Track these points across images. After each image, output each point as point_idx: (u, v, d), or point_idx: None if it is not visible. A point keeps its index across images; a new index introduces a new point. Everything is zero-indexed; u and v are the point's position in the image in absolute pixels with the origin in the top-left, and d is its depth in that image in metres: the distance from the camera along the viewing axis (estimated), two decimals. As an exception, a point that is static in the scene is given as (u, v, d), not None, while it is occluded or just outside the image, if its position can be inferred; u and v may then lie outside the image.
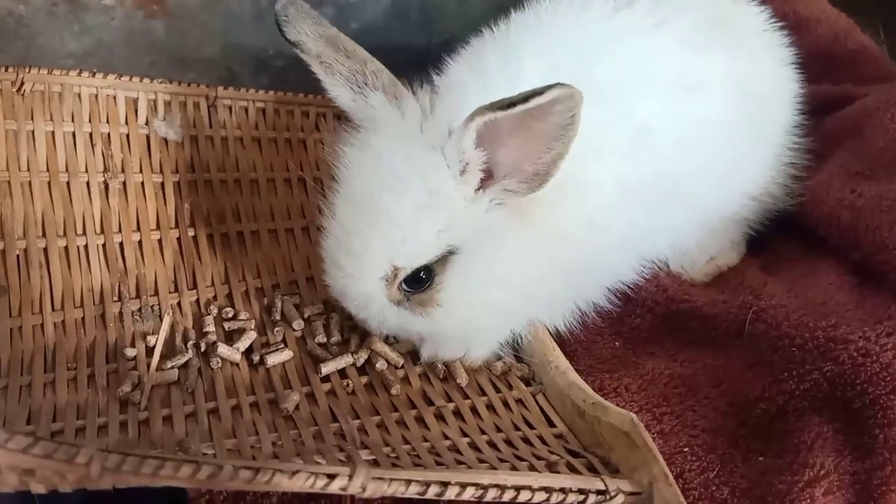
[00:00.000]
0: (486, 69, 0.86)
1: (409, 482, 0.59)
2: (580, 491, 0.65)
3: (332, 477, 0.57)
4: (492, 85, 0.81)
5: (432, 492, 0.60)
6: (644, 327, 0.98)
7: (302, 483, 0.56)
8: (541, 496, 0.63)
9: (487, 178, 0.78)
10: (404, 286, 0.80)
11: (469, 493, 0.61)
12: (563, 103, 0.68)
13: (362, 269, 0.80)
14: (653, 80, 0.89)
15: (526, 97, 0.67)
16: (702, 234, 1.01)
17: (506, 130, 0.72)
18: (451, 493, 0.60)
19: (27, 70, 0.98)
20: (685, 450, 0.80)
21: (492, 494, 0.62)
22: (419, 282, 0.80)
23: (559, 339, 0.92)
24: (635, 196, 0.84)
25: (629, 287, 0.96)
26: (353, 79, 0.83)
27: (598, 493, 0.66)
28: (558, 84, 0.67)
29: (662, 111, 0.87)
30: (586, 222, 0.83)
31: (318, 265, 0.92)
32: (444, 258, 0.78)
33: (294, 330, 0.94)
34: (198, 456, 0.67)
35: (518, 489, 0.62)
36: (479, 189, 0.78)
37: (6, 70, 0.97)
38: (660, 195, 0.86)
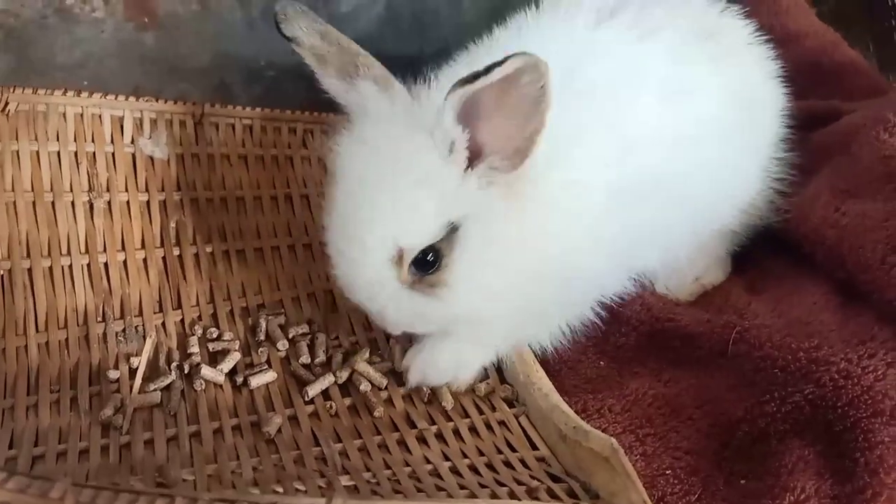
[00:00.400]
0: None
1: (385, 512, 0.59)
2: (558, 518, 0.65)
3: (307, 508, 0.57)
4: None
5: (409, 522, 0.60)
6: (629, 346, 0.98)
7: (277, 515, 0.56)
8: (519, 524, 0.63)
9: (474, 157, 0.79)
10: (413, 269, 0.80)
11: (446, 523, 0.61)
12: (529, 74, 0.69)
13: (366, 252, 0.79)
14: (639, 86, 0.89)
15: (488, 68, 0.69)
16: (691, 247, 1.01)
17: (483, 107, 0.73)
18: (427, 523, 0.60)
19: (11, 90, 0.99)
20: (667, 472, 0.80)
21: (469, 524, 0.62)
22: (427, 265, 0.80)
23: (543, 358, 0.92)
24: (624, 200, 0.84)
25: (615, 302, 0.96)
26: (345, 69, 0.85)
27: (577, 519, 0.66)
28: (520, 53, 0.68)
29: (649, 116, 0.88)
30: (576, 224, 0.83)
31: (324, 265, 0.91)
32: (450, 239, 0.79)
33: (278, 350, 0.94)
34: (177, 483, 0.67)
35: (495, 518, 0.62)
36: (467, 168, 0.78)
37: (-10, 91, 0.97)
38: (648, 199, 0.86)
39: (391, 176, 0.78)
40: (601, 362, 0.97)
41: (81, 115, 1.04)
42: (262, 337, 0.95)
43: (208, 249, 1.04)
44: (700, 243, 1.02)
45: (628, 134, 0.86)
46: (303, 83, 1.79)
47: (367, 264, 0.79)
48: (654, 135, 0.87)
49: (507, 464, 0.78)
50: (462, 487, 0.71)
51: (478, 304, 0.82)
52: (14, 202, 0.96)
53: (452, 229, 0.78)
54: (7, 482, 0.53)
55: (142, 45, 1.60)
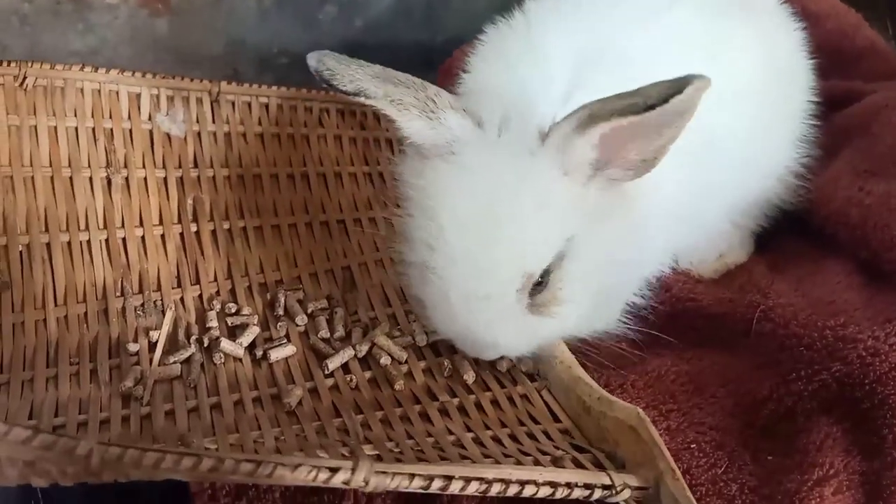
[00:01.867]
0: (512, 60, 0.85)
1: (412, 476, 0.58)
2: (585, 486, 0.64)
3: (334, 470, 0.56)
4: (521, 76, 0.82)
5: (436, 486, 0.59)
6: (649, 327, 0.97)
7: (304, 476, 0.56)
8: (546, 490, 0.62)
9: (595, 170, 0.77)
10: (528, 296, 0.79)
11: (473, 488, 0.60)
12: (695, 96, 0.67)
13: (499, 286, 0.76)
14: (680, 50, 0.87)
15: (665, 98, 0.65)
16: (738, 208, 1.00)
17: (623, 127, 0.70)
18: (454, 488, 0.60)
19: (30, 65, 0.98)
20: (692, 446, 0.79)
21: (496, 489, 0.61)
22: (538, 284, 0.78)
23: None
24: (685, 157, 0.82)
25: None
26: (425, 107, 0.79)
27: (604, 487, 0.65)
28: (695, 77, 0.65)
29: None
30: (661, 200, 0.83)
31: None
32: (558, 255, 0.77)
33: (297, 325, 0.93)
34: (200, 450, 0.66)
35: (522, 483, 0.61)
36: (584, 184, 0.77)
37: (9, 65, 0.97)
38: (705, 154, 0.85)
39: (512, 203, 0.75)
40: (622, 343, 0.97)
41: (99, 91, 1.03)
42: (281, 312, 0.95)
43: (226, 226, 1.04)
44: (729, 217, 1.00)
45: None
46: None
47: (498, 298, 0.77)
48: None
49: (531, 435, 0.77)
50: (486, 457, 0.71)
51: (588, 313, 0.82)
52: (32, 177, 0.96)
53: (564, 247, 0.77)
54: (33, 439, 0.52)
55: (155, 31, 1.60)
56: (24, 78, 0.97)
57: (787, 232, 1.10)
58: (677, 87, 0.65)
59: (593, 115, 0.70)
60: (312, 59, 0.78)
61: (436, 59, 1.60)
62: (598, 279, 0.81)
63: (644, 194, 0.82)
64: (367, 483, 0.57)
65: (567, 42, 0.84)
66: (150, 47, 1.60)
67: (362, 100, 0.78)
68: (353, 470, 0.57)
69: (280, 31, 1.70)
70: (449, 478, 0.60)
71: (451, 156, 0.79)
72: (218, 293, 0.98)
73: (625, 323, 0.92)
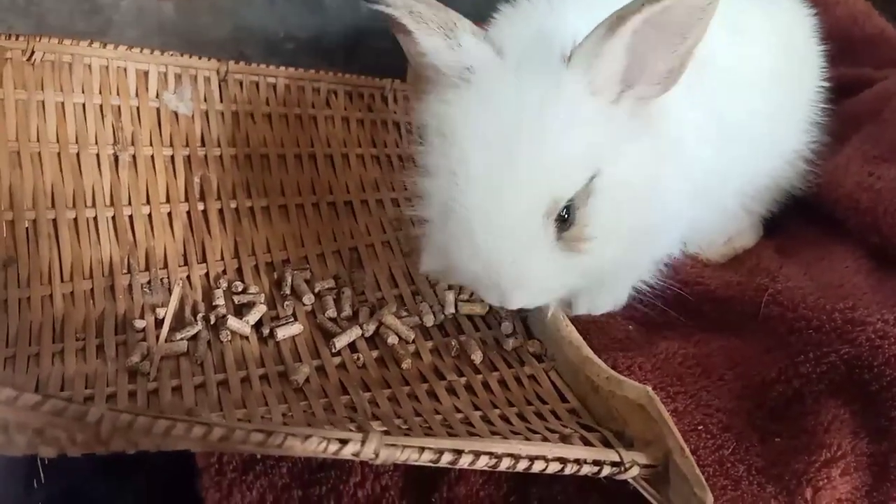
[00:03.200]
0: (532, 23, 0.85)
1: (422, 449, 0.58)
2: (594, 462, 0.64)
3: (344, 442, 0.56)
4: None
5: (445, 460, 0.59)
6: (656, 311, 0.97)
7: (314, 447, 0.55)
8: (555, 466, 0.62)
9: (623, 87, 0.76)
10: (555, 225, 0.76)
11: (483, 462, 0.60)
12: None
13: (523, 209, 0.73)
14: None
15: None
16: (749, 192, 1.00)
17: (647, 30, 0.69)
18: (464, 462, 0.59)
19: (38, 39, 0.97)
20: (699, 428, 0.78)
21: (505, 464, 0.60)
22: (563, 221, 0.76)
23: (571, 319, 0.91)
24: (701, 135, 0.82)
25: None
26: (444, 25, 0.77)
27: (613, 464, 0.65)
28: None
29: (710, 52, 0.82)
30: (685, 165, 0.82)
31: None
32: (586, 188, 0.75)
33: (304, 304, 0.93)
34: (210, 419, 0.66)
35: (532, 459, 0.61)
36: (613, 101, 0.76)
37: (17, 39, 0.96)
38: (720, 133, 0.85)
39: (537, 125, 0.73)
40: (630, 326, 0.96)
41: (107, 67, 1.03)
42: (288, 291, 0.94)
43: (233, 205, 1.04)
44: (739, 200, 1.00)
45: (710, 70, 0.83)
46: (321, 56, 1.79)
47: (523, 222, 0.74)
48: (722, 75, 0.85)
49: (538, 414, 0.77)
50: (494, 434, 0.70)
51: (619, 253, 0.80)
52: (39, 153, 0.96)
53: (591, 177, 0.75)
54: (42, 405, 0.52)
55: (161, 14, 1.59)
56: (32, 52, 0.97)
57: (795, 217, 1.09)
58: None
59: (622, 14, 0.68)
60: None
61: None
62: (626, 216, 0.79)
63: (669, 144, 0.81)
64: (376, 455, 0.57)
65: (587, 20, 0.83)
66: (157, 30, 1.59)
67: (383, 8, 0.76)
68: (363, 442, 0.57)
69: (286, 15, 1.70)
70: (458, 452, 0.59)
71: (468, 83, 0.78)
72: (224, 272, 0.98)
73: (633, 303, 0.92)
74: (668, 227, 0.88)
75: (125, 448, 0.55)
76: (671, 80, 0.75)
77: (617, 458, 0.65)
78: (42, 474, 0.80)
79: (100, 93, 1.02)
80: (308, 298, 0.93)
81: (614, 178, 0.76)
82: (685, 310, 0.94)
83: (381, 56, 1.68)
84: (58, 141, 0.97)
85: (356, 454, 0.56)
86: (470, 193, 0.75)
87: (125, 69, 1.04)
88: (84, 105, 1.00)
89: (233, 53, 1.66)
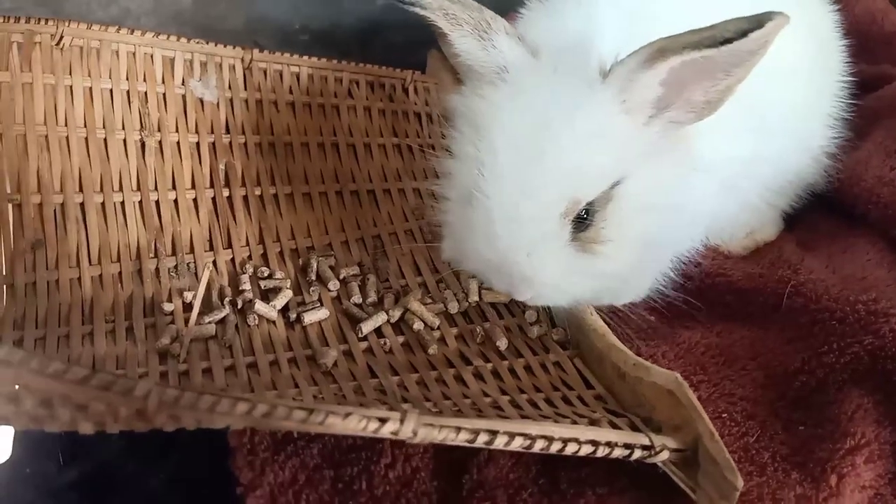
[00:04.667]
0: (562, 18, 0.86)
1: (458, 429, 0.59)
2: (626, 445, 0.65)
3: (384, 421, 0.57)
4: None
5: (481, 440, 0.60)
6: (678, 301, 0.97)
7: (354, 425, 0.56)
8: (587, 449, 0.63)
9: (657, 110, 0.77)
10: (571, 225, 0.77)
11: (517, 443, 0.61)
12: (772, 33, 0.65)
13: (543, 205, 0.75)
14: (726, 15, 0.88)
15: (743, 32, 0.64)
16: (773, 186, 1.00)
17: (692, 65, 0.70)
18: (499, 442, 0.60)
19: (67, 24, 0.98)
20: (723, 415, 0.79)
21: (539, 445, 0.61)
22: (582, 221, 0.77)
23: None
24: (734, 126, 0.82)
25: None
26: (479, 26, 0.78)
27: (643, 448, 0.66)
28: (774, 14, 0.64)
29: None
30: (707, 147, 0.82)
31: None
32: (606, 193, 0.76)
33: (329, 290, 0.93)
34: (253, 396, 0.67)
35: (566, 441, 0.62)
36: (644, 123, 0.76)
37: (46, 23, 0.97)
38: (752, 125, 0.85)
39: (568, 129, 0.74)
40: (652, 317, 0.97)
41: (134, 53, 1.03)
42: (314, 277, 0.95)
43: (257, 192, 1.04)
44: (762, 194, 1.01)
45: None
46: (335, 48, 1.79)
47: (540, 219, 0.75)
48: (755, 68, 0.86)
49: (566, 400, 0.77)
50: (525, 418, 0.71)
51: (634, 258, 0.81)
52: (67, 137, 0.96)
53: (614, 184, 0.76)
54: (91, 379, 0.53)
55: (178, 3, 1.60)
56: (61, 37, 0.97)
57: (816, 211, 1.10)
58: (757, 22, 0.64)
59: (663, 48, 0.69)
60: None
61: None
62: (641, 229, 0.80)
63: (699, 151, 0.81)
64: (415, 434, 0.58)
65: (617, 9, 0.84)
66: (173, 19, 1.60)
67: (418, 10, 0.78)
68: (402, 421, 0.57)
69: (302, 7, 1.70)
70: (494, 432, 0.60)
71: (503, 81, 0.79)
72: (250, 257, 0.98)
73: (655, 295, 0.93)
74: (689, 228, 0.89)
75: (167, 424, 0.56)
76: (708, 111, 0.75)
77: (647, 442, 0.66)
78: (73, 453, 0.81)
79: (127, 79, 1.02)
80: (333, 284, 0.94)
81: (637, 187, 0.77)
82: (707, 300, 0.95)
83: (394, 49, 1.69)
84: (85, 126, 0.98)
85: (395, 433, 0.57)
86: (494, 184, 0.76)
87: (152, 56, 1.05)
88: (111, 91, 1.01)
89: (247, 44, 1.66)
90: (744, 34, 0.65)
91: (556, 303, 0.85)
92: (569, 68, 0.77)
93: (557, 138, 0.74)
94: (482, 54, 0.79)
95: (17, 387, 0.53)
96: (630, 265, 0.82)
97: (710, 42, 0.66)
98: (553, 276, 0.78)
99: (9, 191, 0.90)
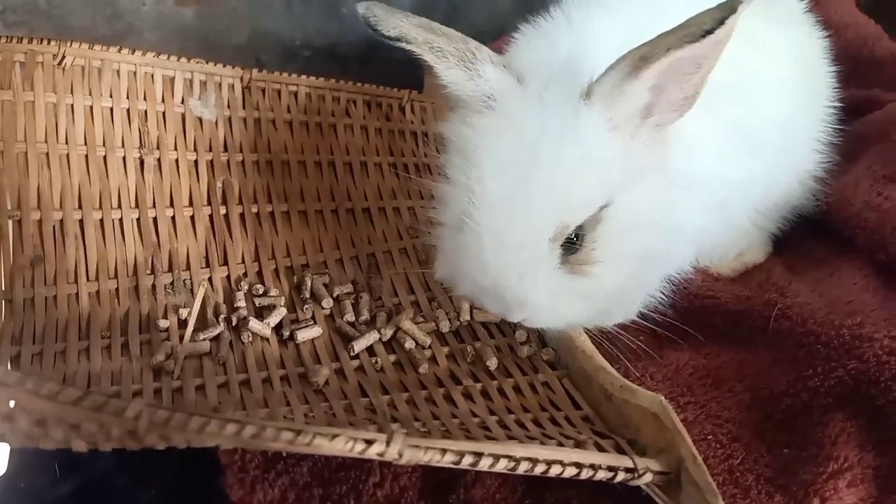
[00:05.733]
0: (554, 42, 0.87)
1: (444, 451, 0.60)
2: (609, 468, 0.66)
3: (370, 442, 0.58)
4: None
5: (466, 462, 0.61)
6: (666, 322, 0.99)
7: (341, 447, 0.57)
8: (571, 471, 0.64)
9: (640, 120, 0.78)
10: (560, 250, 0.79)
11: (502, 465, 0.62)
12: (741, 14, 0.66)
13: (532, 231, 0.76)
14: None
15: (720, 20, 0.66)
16: (761, 209, 1.02)
17: (675, 64, 0.71)
18: (484, 464, 0.61)
19: (69, 44, 1.00)
20: (709, 437, 0.80)
21: (524, 467, 0.62)
22: (570, 244, 0.79)
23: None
24: (719, 148, 0.84)
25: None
26: (464, 57, 0.80)
27: (627, 470, 0.67)
28: (728, 5, 0.66)
29: (731, 65, 0.82)
30: (698, 185, 0.84)
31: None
32: (595, 215, 0.78)
33: (323, 308, 0.95)
34: (242, 417, 0.68)
35: (549, 463, 0.63)
36: (631, 135, 0.78)
37: (48, 43, 0.99)
38: (737, 147, 0.87)
39: (554, 155, 0.75)
40: (641, 337, 0.98)
41: (135, 73, 1.05)
42: (307, 295, 0.97)
43: (254, 210, 1.06)
44: (750, 217, 1.02)
45: (728, 84, 0.83)
46: (336, 64, 1.81)
47: (529, 244, 0.77)
48: (740, 88, 0.87)
49: (553, 420, 0.79)
50: (511, 438, 0.72)
51: (625, 278, 0.82)
52: (67, 154, 0.98)
53: (602, 206, 0.77)
54: (84, 400, 0.54)
55: (181, 19, 1.63)
56: (63, 57, 0.99)
57: (804, 235, 1.11)
58: (730, 7, 0.66)
59: (645, 55, 0.70)
60: (361, 7, 0.79)
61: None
62: (631, 249, 0.81)
63: (686, 169, 0.83)
64: (400, 456, 0.59)
65: (607, 34, 0.85)
66: (176, 35, 1.62)
67: (403, 45, 0.79)
68: (388, 442, 0.59)
69: (304, 23, 1.73)
70: (479, 454, 0.61)
71: (490, 109, 0.80)
72: (245, 275, 1.00)
73: (644, 315, 0.94)
74: (678, 247, 0.90)
75: (157, 443, 0.57)
76: (687, 105, 0.77)
77: (631, 465, 0.67)
78: (67, 468, 0.82)
79: (127, 97, 1.04)
80: (327, 302, 0.95)
81: (625, 208, 0.79)
82: (695, 322, 0.96)
83: (395, 66, 1.71)
84: (85, 143, 1.00)
85: (381, 454, 0.58)
86: (484, 213, 0.78)
87: (152, 75, 1.07)
88: (112, 109, 1.03)
89: (249, 60, 1.69)
90: (721, 22, 0.66)
91: (550, 325, 0.87)
92: (555, 92, 0.78)
93: (544, 166, 0.75)
94: (469, 84, 0.80)
95: (12, 405, 0.55)
96: (621, 285, 0.83)
97: (691, 37, 0.68)
98: (545, 298, 0.80)
99: (9, 207, 0.92)
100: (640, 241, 0.81)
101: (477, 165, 0.78)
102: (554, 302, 0.81)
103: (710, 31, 0.67)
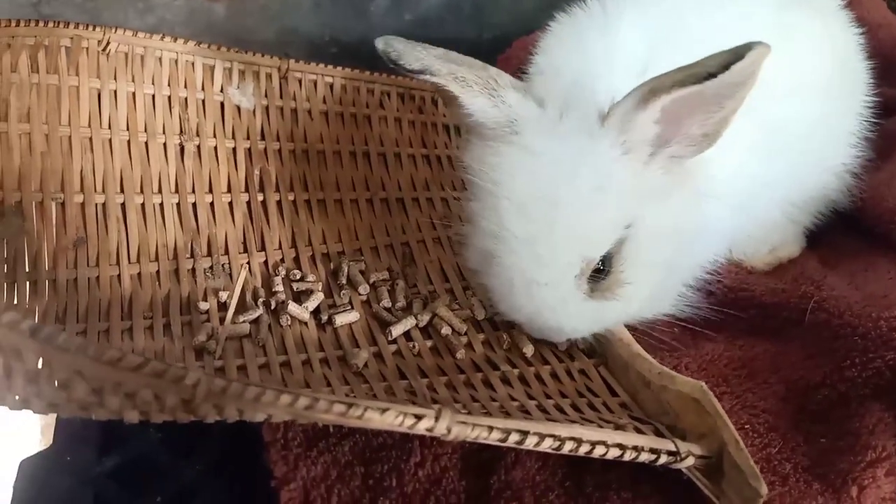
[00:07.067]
0: (584, 42, 0.87)
1: (491, 428, 0.61)
2: (652, 450, 0.66)
3: (419, 417, 0.59)
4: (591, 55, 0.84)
5: (512, 440, 0.61)
6: (701, 315, 0.99)
7: (391, 420, 0.58)
8: (615, 452, 0.64)
9: (656, 147, 0.78)
10: (589, 279, 0.80)
11: (547, 444, 0.62)
12: (755, 63, 0.66)
13: (560, 272, 0.78)
14: (749, 36, 0.89)
15: (725, 65, 0.65)
16: (795, 203, 1.02)
17: (684, 100, 0.71)
18: (529, 443, 0.62)
19: (113, 31, 1.02)
20: (746, 427, 0.80)
21: (568, 447, 0.63)
22: (599, 271, 0.80)
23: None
24: (748, 146, 0.84)
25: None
26: (487, 84, 0.79)
27: (670, 453, 0.67)
28: (755, 44, 0.65)
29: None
30: (724, 181, 0.84)
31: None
32: (619, 238, 0.79)
33: (360, 294, 0.96)
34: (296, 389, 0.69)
35: (594, 444, 0.64)
36: (645, 163, 0.78)
37: (94, 29, 1.00)
38: (768, 144, 0.87)
39: (571, 188, 0.76)
40: (675, 329, 0.98)
41: (176, 61, 1.07)
42: (344, 281, 0.98)
43: (290, 198, 1.07)
44: (784, 211, 1.02)
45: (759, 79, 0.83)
46: (363, 62, 1.83)
47: (558, 284, 0.79)
48: (772, 83, 0.87)
49: (591, 406, 0.79)
50: (551, 421, 0.73)
51: (651, 294, 0.84)
52: (110, 139, 1.00)
53: (624, 227, 0.78)
54: (144, 367, 0.55)
55: (212, 15, 1.65)
56: (108, 43, 1.01)
57: (838, 230, 1.11)
58: (737, 54, 0.65)
59: (653, 88, 0.71)
60: (380, 43, 0.79)
61: (482, 56, 1.64)
62: (659, 261, 0.83)
63: (704, 178, 0.83)
64: (449, 431, 0.59)
65: (640, 28, 0.86)
66: (206, 30, 1.64)
67: (427, 77, 0.79)
68: (437, 418, 0.59)
69: (332, 20, 1.74)
70: (525, 433, 0.62)
71: (513, 136, 0.80)
72: (283, 261, 1.01)
73: (678, 308, 0.94)
74: (707, 246, 0.91)
75: (209, 414, 0.58)
76: (707, 143, 0.77)
77: (673, 448, 0.67)
78: (113, 443, 0.83)
79: (168, 85, 1.06)
80: (364, 288, 0.96)
81: (648, 226, 0.79)
82: (729, 314, 0.96)
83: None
84: (128, 129, 1.01)
85: (430, 429, 0.59)
86: (509, 256, 0.80)
87: (193, 63, 1.08)
88: (154, 96, 1.04)
89: (277, 55, 1.71)
90: (726, 67, 0.66)
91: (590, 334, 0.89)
92: (571, 118, 0.79)
93: (563, 201, 0.76)
94: (494, 111, 0.80)
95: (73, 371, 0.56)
96: (652, 293, 0.85)
97: (694, 79, 0.68)
98: (580, 325, 0.84)
99: (53, 190, 0.93)
100: (666, 254, 0.83)
101: (498, 208, 0.79)
102: (589, 326, 0.85)
103: (712, 75, 0.67)
